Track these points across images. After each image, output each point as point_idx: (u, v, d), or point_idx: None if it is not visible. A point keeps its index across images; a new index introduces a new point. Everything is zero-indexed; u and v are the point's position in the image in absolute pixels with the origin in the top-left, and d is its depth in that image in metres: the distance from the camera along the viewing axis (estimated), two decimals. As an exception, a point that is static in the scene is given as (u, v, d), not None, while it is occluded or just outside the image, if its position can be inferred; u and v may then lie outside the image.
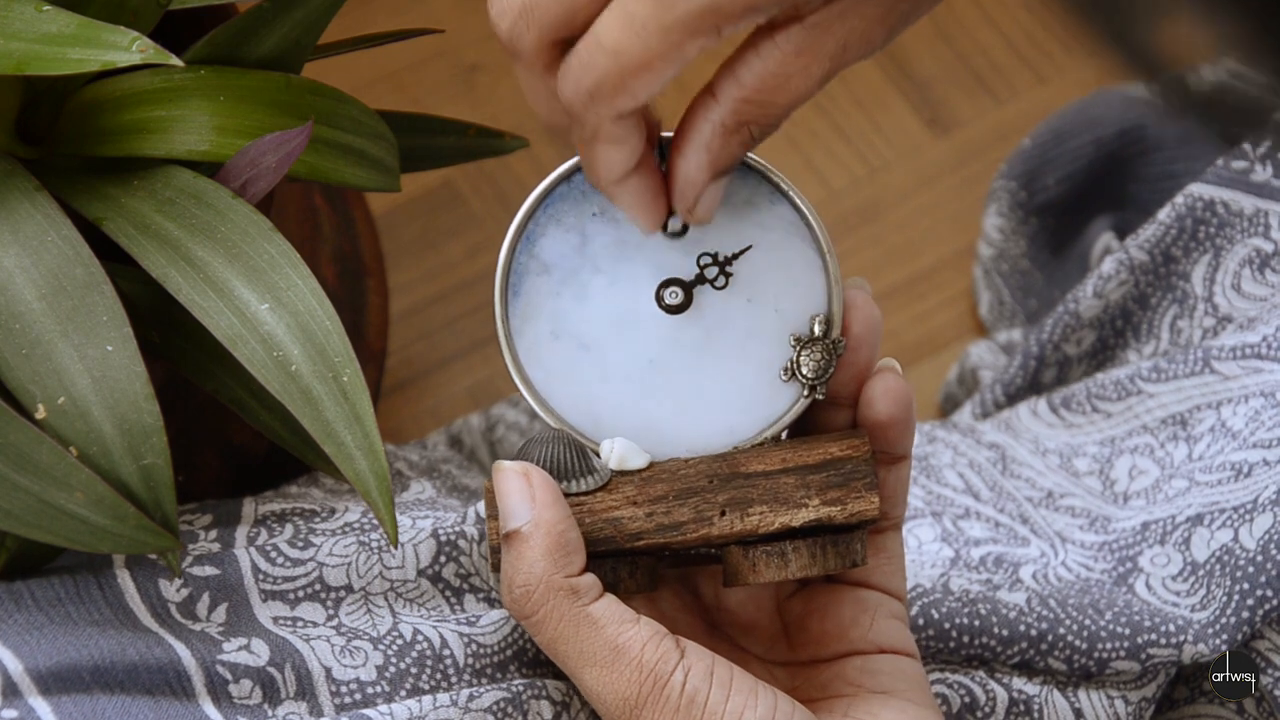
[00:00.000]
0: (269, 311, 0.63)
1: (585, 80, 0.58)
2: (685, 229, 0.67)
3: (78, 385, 0.62)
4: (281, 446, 0.69)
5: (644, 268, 0.67)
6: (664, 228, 0.66)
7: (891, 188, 1.03)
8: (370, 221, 0.92)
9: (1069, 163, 1.00)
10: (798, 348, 0.67)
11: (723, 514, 0.66)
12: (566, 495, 0.65)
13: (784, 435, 0.69)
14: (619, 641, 0.63)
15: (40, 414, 0.62)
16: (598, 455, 0.67)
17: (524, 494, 0.64)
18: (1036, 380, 0.93)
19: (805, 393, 0.67)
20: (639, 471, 0.66)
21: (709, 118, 0.61)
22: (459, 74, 1.04)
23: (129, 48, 0.62)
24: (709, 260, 0.67)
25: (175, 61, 0.62)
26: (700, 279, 0.67)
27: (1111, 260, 0.90)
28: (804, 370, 0.67)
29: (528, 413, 0.95)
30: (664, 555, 0.68)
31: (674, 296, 0.67)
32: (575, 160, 0.67)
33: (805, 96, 0.59)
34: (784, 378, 0.67)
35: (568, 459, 0.66)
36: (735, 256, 0.67)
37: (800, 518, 0.66)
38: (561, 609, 0.63)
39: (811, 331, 0.67)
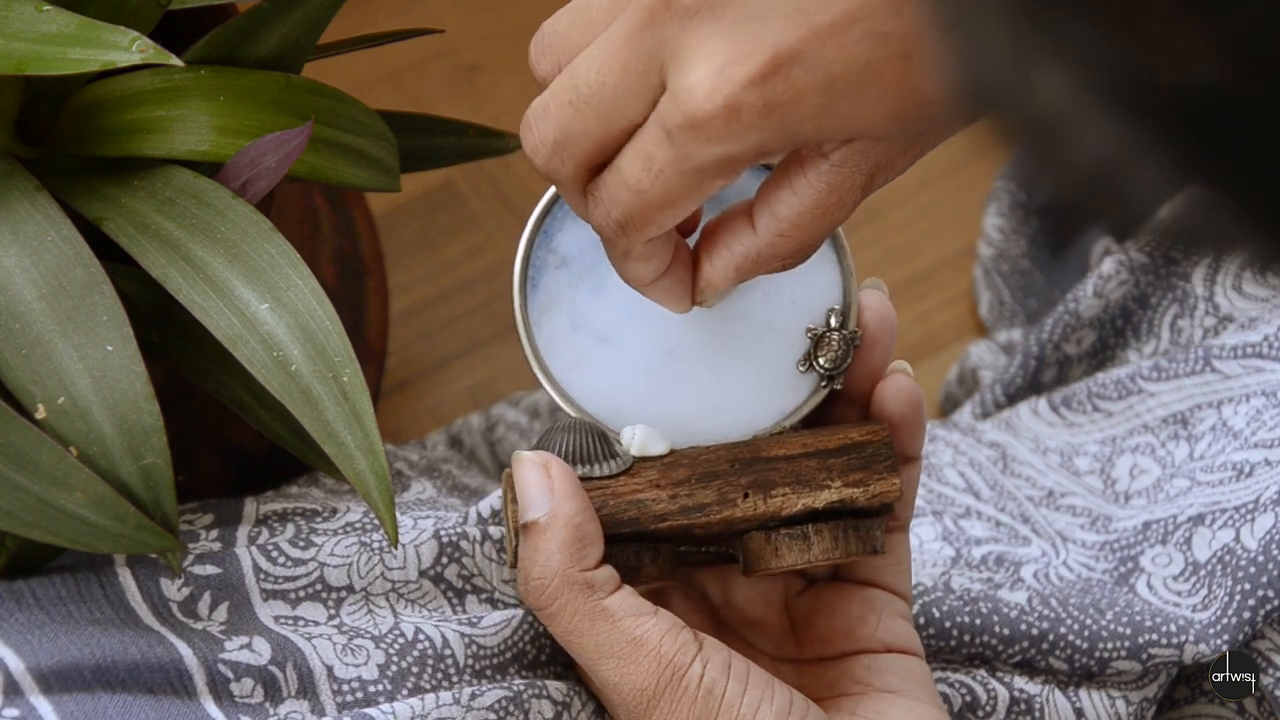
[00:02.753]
0: (269, 311, 0.63)
1: (613, 213, 0.59)
2: None
3: (78, 385, 0.62)
4: (281, 446, 0.69)
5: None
6: None
7: (892, 188, 1.03)
8: (370, 221, 0.92)
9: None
10: (814, 339, 0.67)
11: (746, 496, 0.66)
12: (589, 479, 0.65)
13: (800, 427, 0.69)
14: (637, 633, 0.63)
15: (40, 414, 0.62)
16: (619, 442, 0.67)
17: (543, 485, 0.64)
18: (1036, 380, 0.93)
19: (823, 383, 0.68)
20: (660, 457, 0.67)
21: (744, 243, 0.61)
22: (459, 74, 1.04)
23: (129, 48, 0.62)
24: None
25: (175, 61, 0.62)
26: None
27: (1111, 260, 0.90)
28: (821, 361, 0.67)
29: (529, 412, 0.95)
30: (682, 545, 0.68)
31: None
32: None
33: (837, 225, 0.60)
34: (801, 369, 0.68)
35: (590, 444, 0.66)
36: None
37: (823, 499, 0.66)
38: (576, 603, 0.64)
39: (828, 323, 0.67)
